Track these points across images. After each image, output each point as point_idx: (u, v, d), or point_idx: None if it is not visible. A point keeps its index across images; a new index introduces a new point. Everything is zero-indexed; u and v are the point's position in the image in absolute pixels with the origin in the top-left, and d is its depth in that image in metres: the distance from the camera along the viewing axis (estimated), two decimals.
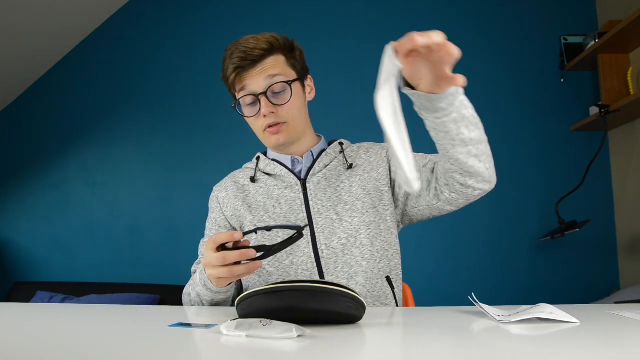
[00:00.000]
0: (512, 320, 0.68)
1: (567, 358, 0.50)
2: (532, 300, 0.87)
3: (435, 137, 0.85)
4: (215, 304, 0.93)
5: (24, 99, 2.68)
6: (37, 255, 2.55)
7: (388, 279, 1.01)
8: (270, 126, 0.99)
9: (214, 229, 1.09)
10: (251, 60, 0.96)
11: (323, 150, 1.09)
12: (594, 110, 2.10)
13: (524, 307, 0.74)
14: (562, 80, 2.35)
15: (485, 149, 0.88)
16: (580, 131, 2.31)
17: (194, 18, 2.63)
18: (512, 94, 2.37)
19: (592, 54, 2.17)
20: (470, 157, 0.86)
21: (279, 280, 0.67)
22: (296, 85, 1.01)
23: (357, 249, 0.98)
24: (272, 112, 0.98)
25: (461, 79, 0.70)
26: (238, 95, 1.01)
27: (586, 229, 2.07)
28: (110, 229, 2.51)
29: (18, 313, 0.83)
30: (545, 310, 0.69)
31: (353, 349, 0.56)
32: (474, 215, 2.28)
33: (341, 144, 1.11)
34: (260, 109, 0.97)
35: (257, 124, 1.01)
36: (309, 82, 1.08)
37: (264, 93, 0.97)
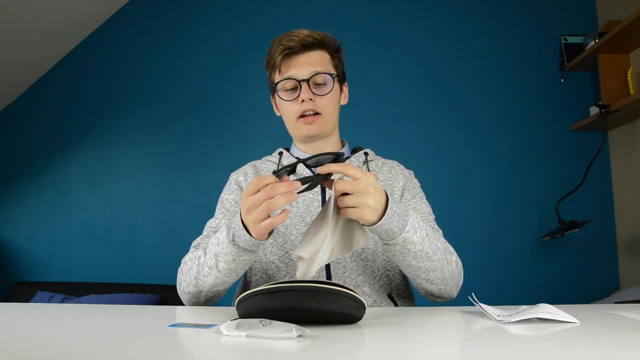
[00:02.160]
0: (512, 320, 0.68)
1: (567, 358, 0.50)
2: (532, 300, 0.87)
3: (389, 256, 0.90)
4: (229, 272, 0.86)
5: (24, 99, 2.68)
6: (37, 255, 2.55)
7: (390, 296, 1.02)
8: (303, 116, 1.02)
9: (232, 210, 1.07)
10: (302, 45, 1.00)
11: (347, 158, 1.10)
12: (594, 110, 2.10)
13: (524, 307, 0.74)
14: (562, 80, 2.35)
15: (439, 275, 0.90)
16: (580, 131, 2.31)
17: (194, 18, 2.63)
18: (512, 94, 2.37)
19: (592, 54, 2.17)
20: (418, 279, 0.90)
21: (284, 280, 0.67)
22: (336, 83, 1.05)
23: (362, 260, 0.99)
24: (311, 99, 1.00)
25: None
26: (279, 78, 1.03)
27: (586, 229, 2.07)
28: (110, 229, 2.51)
29: (18, 313, 0.83)
30: (545, 310, 0.69)
31: (353, 349, 0.56)
32: (474, 215, 2.28)
33: (366, 154, 1.12)
34: (299, 94, 1.00)
35: (292, 110, 1.03)
36: (345, 88, 1.12)
37: (307, 80, 1.00)
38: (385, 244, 0.84)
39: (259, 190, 0.74)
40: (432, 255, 0.86)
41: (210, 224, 1.07)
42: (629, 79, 2.09)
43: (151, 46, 2.64)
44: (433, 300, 1.00)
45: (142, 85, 2.61)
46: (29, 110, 2.67)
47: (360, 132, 2.28)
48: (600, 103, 2.08)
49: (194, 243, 1.04)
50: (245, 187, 1.07)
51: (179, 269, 0.99)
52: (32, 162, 2.62)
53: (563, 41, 2.34)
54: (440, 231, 1.04)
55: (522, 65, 2.39)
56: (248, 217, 0.76)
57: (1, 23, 2.25)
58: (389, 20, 2.49)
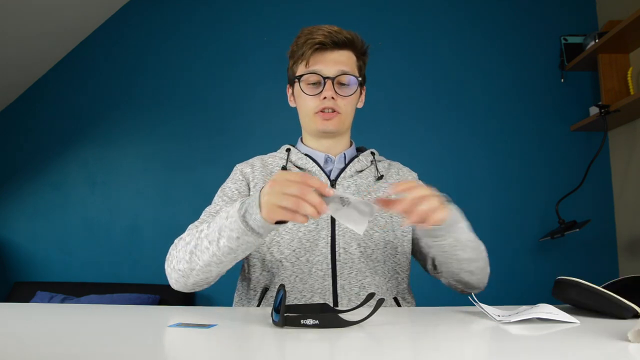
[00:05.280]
0: (512, 320, 0.68)
1: (567, 358, 0.50)
2: (532, 300, 0.87)
3: (435, 254, 0.95)
4: (228, 251, 0.81)
5: (24, 99, 2.68)
6: (37, 255, 2.55)
7: (396, 299, 1.02)
8: (323, 111, 1.02)
9: (234, 198, 1.03)
10: (334, 42, 1.01)
11: (354, 157, 1.11)
12: (594, 110, 2.10)
13: (524, 307, 0.74)
14: (562, 80, 2.35)
15: (479, 264, 0.97)
16: (580, 131, 2.31)
17: (194, 18, 2.63)
18: (512, 94, 2.37)
19: (592, 54, 2.17)
20: (462, 272, 0.96)
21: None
22: (359, 87, 1.07)
23: (372, 262, 0.99)
24: (333, 98, 1.01)
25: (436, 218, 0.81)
26: (304, 71, 1.02)
27: (586, 229, 2.07)
28: (110, 229, 2.51)
29: (18, 313, 0.83)
30: (545, 310, 0.70)
31: (353, 349, 0.56)
32: (474, 216, 2.27)
33: (373, 153, 1.13)
34: (322, 91, 1.01)
35: (312, 104, 1.03)
36: (363, 91, 1.14)
37: (332, 78, 1.01)
38: (434, 241, 0.88)
39: (295, 182, 0.71)
40: (475, 245, 0.92)
41: (210, 209, 1.03)
42: (629, 79, 2.09)
43: (151, 46, 2.64)
44: (469, 292, 1.02)
45: (142, 85, 2.61)
46: (29, 110, 2.67)
47: (362, 132, 2.28)
48: (600, 103, 2.08)
49: (190, 226, 0.98)
50: (252, 179, 1.06)
51: (172, 247, 0.93)
52: (32, 162, 2.63)
53: (563, 41, 2.34)
54: None
55: (522, 65, 2.39)
56: (271, 197, 0.72)
57: (1, 23, 2.25)
58: (389, 21, 2.49)
